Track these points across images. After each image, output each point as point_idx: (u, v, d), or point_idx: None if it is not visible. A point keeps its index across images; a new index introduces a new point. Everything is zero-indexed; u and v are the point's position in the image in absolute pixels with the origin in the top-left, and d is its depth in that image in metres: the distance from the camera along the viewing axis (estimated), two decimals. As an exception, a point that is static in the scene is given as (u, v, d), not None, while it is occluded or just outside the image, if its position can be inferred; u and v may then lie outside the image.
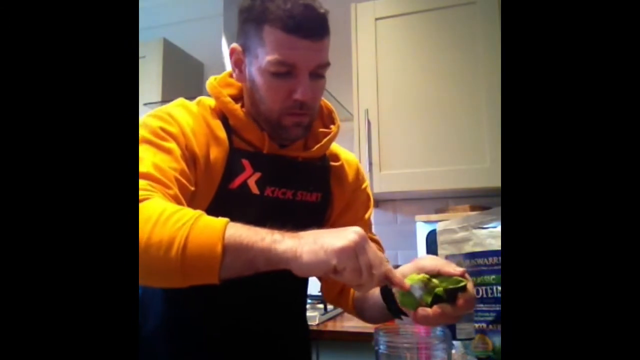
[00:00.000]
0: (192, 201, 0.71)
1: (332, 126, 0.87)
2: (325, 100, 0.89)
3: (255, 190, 0.77)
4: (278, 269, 0.55)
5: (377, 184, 1.67)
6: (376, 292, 0.78)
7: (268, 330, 0.83)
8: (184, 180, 0.69)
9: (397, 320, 0.78)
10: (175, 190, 0.66)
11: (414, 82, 1.70)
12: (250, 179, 0.77)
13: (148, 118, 0.74)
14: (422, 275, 0.62)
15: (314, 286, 0.97)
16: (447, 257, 0.93)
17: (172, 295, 0.78)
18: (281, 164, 0.81)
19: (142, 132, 0.70)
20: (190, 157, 0.72)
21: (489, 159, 1.57)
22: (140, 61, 2.03)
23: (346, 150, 0.95)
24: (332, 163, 0.88)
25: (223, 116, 0.79)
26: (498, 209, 0.92)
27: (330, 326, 1.45)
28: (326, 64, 0.74)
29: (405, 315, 0.70)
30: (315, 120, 0.84)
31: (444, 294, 0.61)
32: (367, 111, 1.72)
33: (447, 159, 1.62)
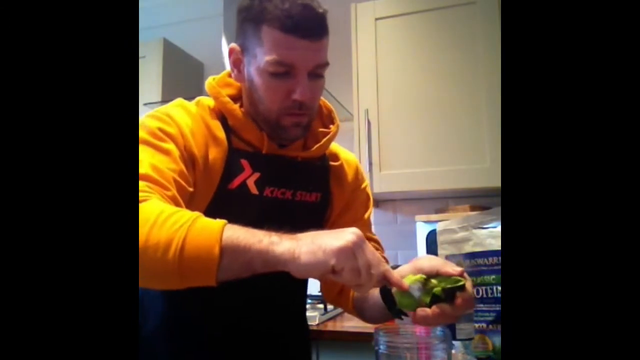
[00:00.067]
0: (191, 202, 0.71)
1: (331, 126, 0.87)
2: (324, 100, 0.89)
3: (254, 190, 0.77)
4: (276, 270, 0.55)
5: (377, 184, 1.67)
6: (376, 292, 0.78)
7: (269, 330, 0.83)
8: (182, 182, 0.69)
9: (397, 320, 0.78)
10: (173, 191, 0.66)
11: (414, 82, 1.70)
12: (250, 179, 0.77)
13: (146, 119, 0.74)
14: (419, 276, 0.63)
15: (314, 286, 0.97)
16: (447, 257, 0.93)
17: (173, 295, 0.78)
18: (280, 164, 0.81)
19: (141, 133, 0.70)
20: (188, 158, 0.72)
21: (489, 159, 1.57)
22: (140, 61, 2.03)
23: (346, 150, 0.95)
24: (332, 163, 0.88)
25: (222, 116, 0.79)
26: (498, 209, 0.92)
27: (330, 326, 1.45)
28: (325, 64, 0.74)
29: (406, 315, 0.70)
30: (315, 120, 0.84)
31: (442, 293, 0.61)
32: (367, 111, 1.72)
33: (447, 159, 1.62)
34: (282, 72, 0.71)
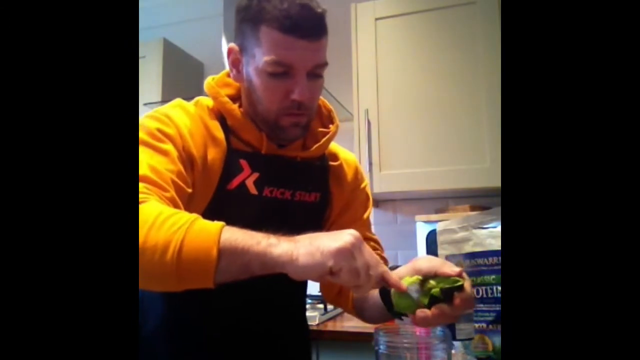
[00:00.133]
0: (190, 202, 0.71)
1: (330, 126, 0.87)
2: (324, 100, 0.89)
3: (253, 190, 0.77)
4: (274, 272, 0.55)
5: (377, 184, 1.67)
6: (375, 292, 0.78)
7: (268, 330, 0.83)
8: (180, 183, 0.69)
9: (397, 320, 0.78)
10: (171, 192, 0.66)
11: (414, 82, 1.70)
12: (249, 179, 0.77)
13: (145, 119, 0.73)
14: (415, 277, 0.63)
15: (313, 286, 0.97)
16: (447, 257, 0.93)
17: (172, 296, 0.78)
18: (279, 164, 0.80)
19: (139, 134, 0.70)
20: (187, 159, 0.72)
21: (489, 159, 1.57)
22: (140, 61, 2.03)
23: (345, 150, 0.95)
24: (331, 163, 0.88)
25: (221, 116, 0.79)
26: (498, 209, 0.92)
27: (330, 326, 1.45)
28: (324, 64, 0.74)
29: (406, 315, 0.70)
30: (314, 120, 0.83)
31: (440, 294, 0.61)
32: (367, 111, 1.72)
33: (447, 159, 1.62)
34: (280, 72, 0.71)
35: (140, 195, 0.60)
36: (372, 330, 0.64)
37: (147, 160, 0.66)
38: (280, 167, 0.80)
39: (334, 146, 0.91)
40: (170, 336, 0.79)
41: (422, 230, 1.64)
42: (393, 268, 0.71)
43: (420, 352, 0.60)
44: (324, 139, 0.84)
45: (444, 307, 0.60)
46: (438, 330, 0.63)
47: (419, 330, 0.66)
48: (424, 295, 0.61)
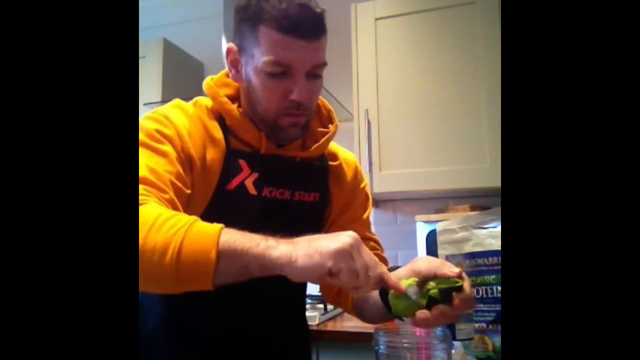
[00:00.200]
0: (189, 203, 0.71)
1: (330, 126, 0.87)
2: (323, 100, 0.89)
3: (252, 190, 0.77)
4: (273, 274, 0.55)
5: (377, 184, 1.67)
6: (375, 292, 0.78)
7: (268, 329, 0.83)
8: (179, 184, 0.69)
9: (397, 320, 0.78)
10: (170, 194, 0.66)
11: (414, 82, 1.70)
12: (248, 179, 0.77)
13: (143, 120, 0.73)
14: (412, 280, 0.63)
15: (313, 286, 0.97)
16: (447, 257, 0.93)
17: (172, 296, 0.78)
18: (279, 164, 0.80)
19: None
20: (186, 160, 0.72)
21: (489, 159, 1.57)
22: (140, 61, 2.03)
23: (345, 150, 0.95)
24: (331, 162, 0.88)
25: (220, 117, 0.79)
26: (498, 209, 0.92)
27: (330, 326, 1.45)
28: (323, 64, 0.74)
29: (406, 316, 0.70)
30: (314, 120, 0.83)
31: (438, 295, 0.60)
32: (367, 111, 1.72)
33: (447, 159, 1.62)
34: (279, 72, 0.71)
35: (140, 197, 0.60)
36: (372, 330, 0.64)
37: (145, 162, 0.66)
38: (279, 167, 0.80)
39: (333, 146, 0.91)
40: (171, 334, 0.79)
41: (422, 230, 1.64)
42: (393, 268, 0.71)
43: (420, 352, 0.60)
44: (324, 139, 0.84)
45: (443, 308, 0.60)
46: (438, 330, 0.63)
47: (419, 330, 0.65)
48: (422, 297, 0.61)
